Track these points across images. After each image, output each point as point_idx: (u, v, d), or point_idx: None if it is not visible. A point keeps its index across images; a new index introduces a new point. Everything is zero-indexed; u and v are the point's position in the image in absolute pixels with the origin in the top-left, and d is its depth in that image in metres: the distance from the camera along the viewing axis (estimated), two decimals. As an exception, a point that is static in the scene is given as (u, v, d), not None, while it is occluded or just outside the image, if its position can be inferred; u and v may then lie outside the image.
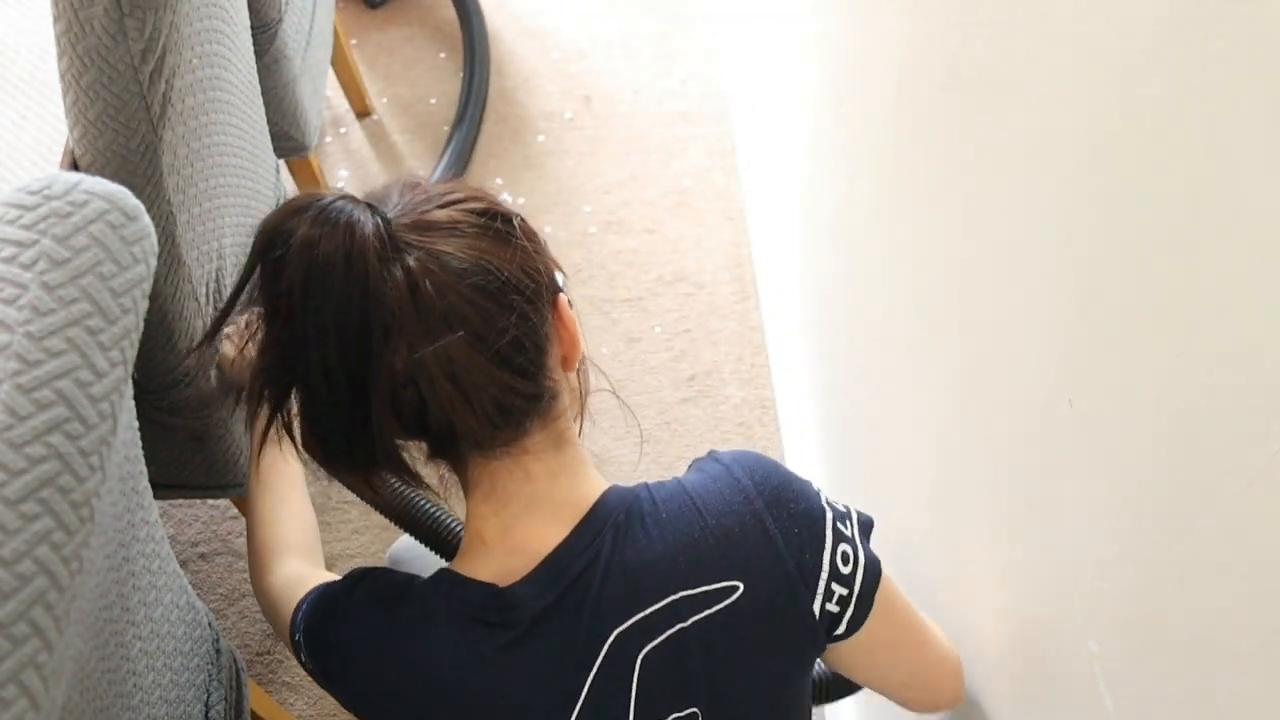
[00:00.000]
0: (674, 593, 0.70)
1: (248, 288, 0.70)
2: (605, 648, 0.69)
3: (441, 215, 0.69)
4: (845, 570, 0.74)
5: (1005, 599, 0.82)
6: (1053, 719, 0.75)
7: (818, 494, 0.76)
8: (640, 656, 0.70)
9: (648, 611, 0.70)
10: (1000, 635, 0.84)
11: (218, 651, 1.03)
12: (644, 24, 2.38)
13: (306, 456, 0.73)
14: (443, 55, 2.35)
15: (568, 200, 2.08)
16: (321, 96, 1.73)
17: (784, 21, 1.59)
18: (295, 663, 1.55)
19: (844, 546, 0.74)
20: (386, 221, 0.67)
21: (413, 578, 0.75)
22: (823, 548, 0.73)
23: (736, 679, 0.73)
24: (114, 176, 0.91)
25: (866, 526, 0.78)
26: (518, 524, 0.72)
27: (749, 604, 0.71)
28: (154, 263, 0.74)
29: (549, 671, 0.70)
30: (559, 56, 2.33)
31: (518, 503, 0.72)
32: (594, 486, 0.74)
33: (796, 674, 0.76)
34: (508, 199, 2.07)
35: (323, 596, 0.79)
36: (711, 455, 0.78)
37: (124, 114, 0.90)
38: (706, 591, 0.70)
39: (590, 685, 0.69)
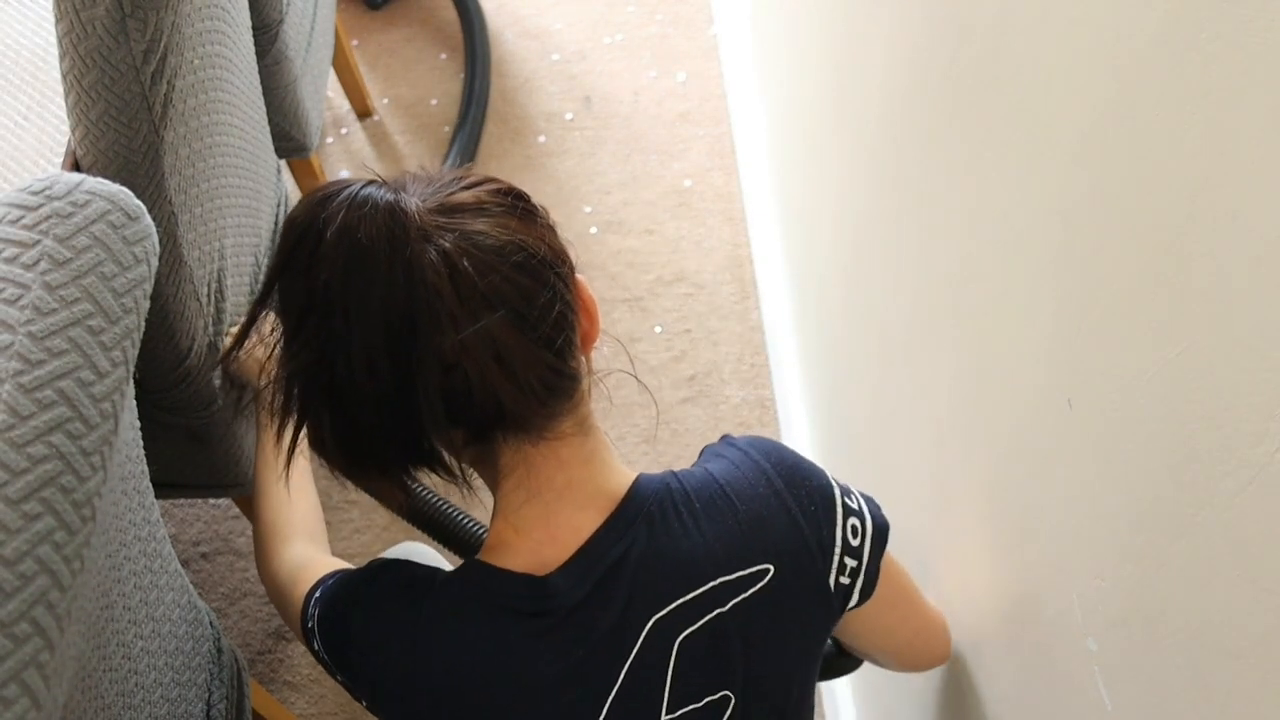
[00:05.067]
0: (713, 579, 0.71)
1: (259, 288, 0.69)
2: (643, 634, 0.70)
3: (467, 196, 0.67)
4: (855, 543, 0.77)
5: (1005, 598, 0.82)
6: (1052, 718, 0.75)
7: (824, 472, 0.79)
8: (678, 642, 0.71)
9: (688, 597, 0.71)
10: (1000, 634, 0.84)
11: (219, 650, 1.03)
12: (644, 24, 2.38)
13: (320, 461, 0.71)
14: (444, 56, 2.35)
15: (568, 200, 2.08)
16: (323, 97, 1.73)
17: (784, 22, 1.59)
18: (296, 662, 1.56)
19: (853, 520, 0.77)
20: (422, 207, 0.65)
21: (435, 570, 0.75)
22: (835, 522, 0.76)
23: (769, 659, 0.75)
24: (116, 177, 0.91)
25: (871, 501, 0.81)
26: (552, 512, 0.71)
27: (780, 584, 0.73)
28: (155, 263, 0.74)
29: (584, 659, 0.70)
30: (559, 58, 2.33)
31: (551, 490, 0.71)
32: (624, 475, 0.74)
33: (816, 649, 0.79)
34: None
35: (340, 586, 0.78)
36: (727, 440, 0.80)
37: (126, 114, 0.90)
38: (742, 576, 0.72)
39: (626, 671, 0.70)
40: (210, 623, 1.02)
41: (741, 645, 0.72)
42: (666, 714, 0.72)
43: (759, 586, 0.72)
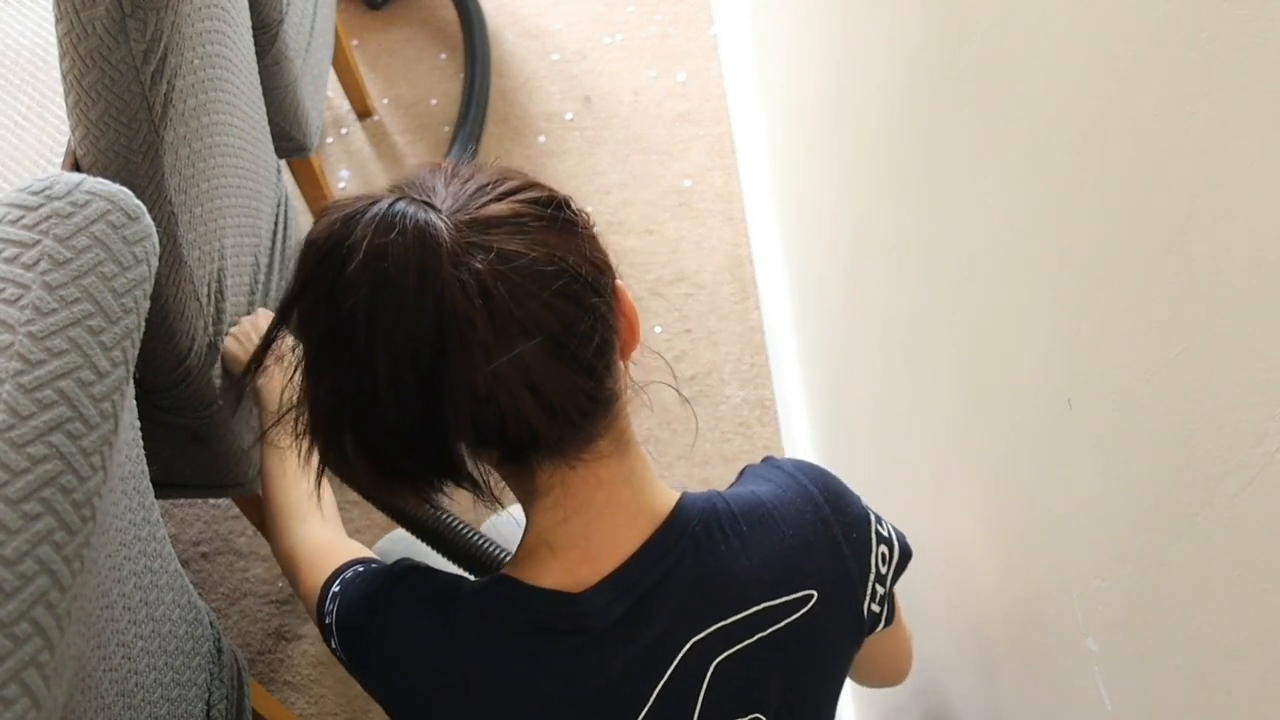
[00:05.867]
0: (757, 604, 0.70)
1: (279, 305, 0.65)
2: (680, 655, 0.69)
3: (502, 209, 0.62)
4: (884, 570, 0.76)
5: (1005, 598, 0.82)
6: (1052, 718, 0.75)
7: (856, 495, 0.78)
8: (714, 664, 0.69)
9: (729, 621, 0.69)
10: (1000, 635, 0.84)
11: (219, 650, 1.03)
12: (644, 24, 2.38)
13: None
14: (444, 56, 2.35)
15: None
16: (322, 97, 1.73)
17: (784, 22, 1.59)
18: (296, 662, 1.56)
19: (883, 548, 0.76)
20: (453, 222, 0.61)
21: (460, 579, 0.73)
22: (870, 550, 0.75)
23: (807, 683, 0.74)
24: (116, 177, 0.91)
25: (897, 529, 0.80)
26: (590, 531, 0.69)
27: (821, 610, 0.71)
28: (155, 263, 0.75)
29: (616, 678, 0.68)
30: (559, 57, 2.33)
31: (590, 509, 0.69)
32: (667, 494, 0.72)
33: (844, 674, 0.78)
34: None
35: (361, 588, 0.76)
36: (771, 463, 0.78)
37: (126, 114, 0.90)
38: (786, 602, 0.70)
39: (659, 692, 0.69)
40: (210, 623, 1.02)
41: (780, 671, 0.71)
42: None
43: (801, 613, 0.71)
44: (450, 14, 2.39)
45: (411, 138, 2.21)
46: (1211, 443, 0.51)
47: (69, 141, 1.03)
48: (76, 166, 0.94)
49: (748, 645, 0.70)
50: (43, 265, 0.68)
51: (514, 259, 0.60)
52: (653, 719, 0.69)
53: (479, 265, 0.59)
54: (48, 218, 0.69)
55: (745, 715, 0.72)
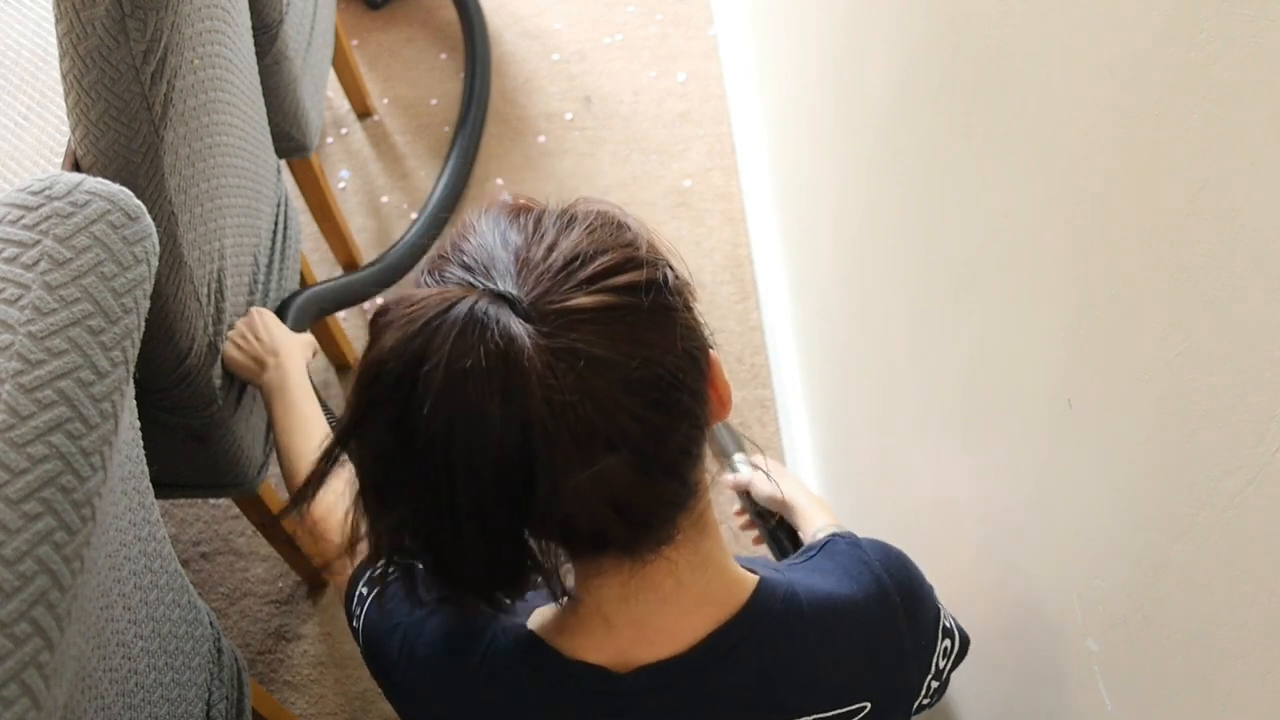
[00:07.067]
0: (810, 713, 0.67)
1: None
2: None
3: (590, 302, 0.55)
4: (943, 665, 0.74)
5: (1005, 598, 0.82)
6: (1052, 718, 0.75)
7: (931, 590, 0.74)
8: None
9: None
10: (1000, 634, 0.84)
11: (219, 650, 1.03)
12: (644, 24, 2.38)
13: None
14: (444, 56, 2.35)
15: (569, 201, 2.08)
16: (323, 97, 1.73)
17: (784, 22, 1.59)
18: (296, 662, 1.56)
19: (947, 642, 0.74)
20: (538, 318, 0.55)
21: (494, 619, 0.69)
22: (934, 651, 0.72)
23: None
24: (116, 177, 0.91)
25: (955, 619, 0.77)
26: (652, 613, 0.65)
27: (871, 718, 0.69)
28: (155, 263, 0.75)
29: None
30: (560, 58, 2.33)
31: (657, 593, 0.64)
32: (740, 580, 0.68)
33: None
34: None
35: (392, 609, 0.72)
36: (858, 552, 0.73)
37: (126, 114, 0.90)
38: (839, 714, 0.68)
39: None
40: (210, 623, 1.02)
41: None
42: None
43: None
44: (450, 14, 2.39)
45: (411, 138, 2.21)
46: (1211, 443, 0.51)
47: (69, 141, 1.02)
48: (76, 166, 0.94)
49: None
50: (43, 265, 0.68)
51: (603, 370, 0.54)
52: None
53: (567, 379, 0.54)
54: (48, 218, 0.70)
55: None
